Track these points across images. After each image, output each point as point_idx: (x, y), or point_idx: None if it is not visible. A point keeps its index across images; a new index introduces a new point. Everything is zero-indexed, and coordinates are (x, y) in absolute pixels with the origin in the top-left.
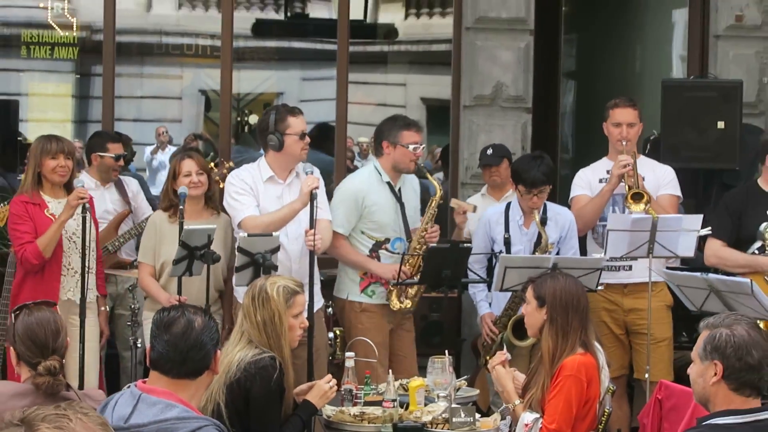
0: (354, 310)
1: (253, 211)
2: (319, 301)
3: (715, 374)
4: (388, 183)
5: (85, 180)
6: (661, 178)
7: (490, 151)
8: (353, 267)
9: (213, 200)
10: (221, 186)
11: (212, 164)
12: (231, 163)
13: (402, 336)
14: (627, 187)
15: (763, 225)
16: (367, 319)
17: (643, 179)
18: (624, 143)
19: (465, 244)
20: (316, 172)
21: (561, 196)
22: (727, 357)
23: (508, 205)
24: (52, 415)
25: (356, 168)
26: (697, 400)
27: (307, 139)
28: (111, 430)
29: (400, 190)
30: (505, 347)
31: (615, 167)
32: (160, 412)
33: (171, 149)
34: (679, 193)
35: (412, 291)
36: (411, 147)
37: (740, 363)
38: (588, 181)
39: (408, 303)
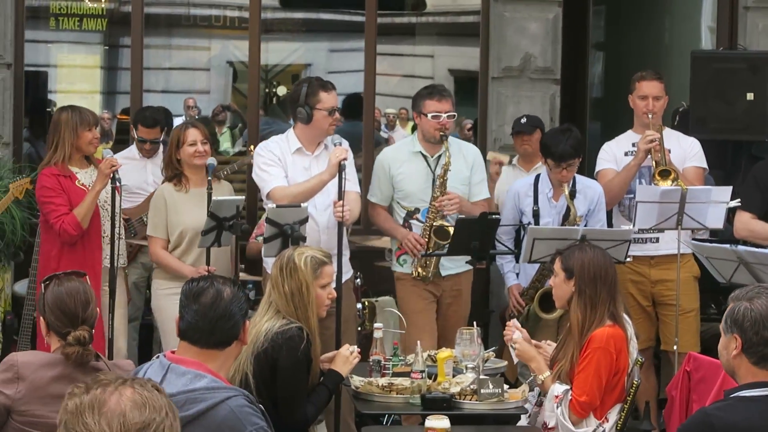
0: (395, 278)
1: (281, 181)
2: (347, 272)
3: (736, 348)
4: (421, 153)
5: (131, 150)
6: (687, 151)
7: (524, 120)
8: (387, 235)
9: (216, 171)
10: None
11: (251, 148)
12: (252, 147)
13: (448, 316)
14: (654, 162)
15: None
16: (401, 287)
17: (669, 152)
18: (650, 116)
19: (494, 216)
20: (345, 143)
21: (589, 167)
22: (744, 331)
23: (537, 178)
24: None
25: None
26: (726, 372)
27: (337, 115)
28: (144, 412)
29: (440, 157)
30: (529, 320)
31: (642, 142)
32: (189, 382)
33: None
34: (705, 165)
35: (430, 260)
36: (431, 116)
37: (757, 337)
38: (613, 155)
39: (422, 272)
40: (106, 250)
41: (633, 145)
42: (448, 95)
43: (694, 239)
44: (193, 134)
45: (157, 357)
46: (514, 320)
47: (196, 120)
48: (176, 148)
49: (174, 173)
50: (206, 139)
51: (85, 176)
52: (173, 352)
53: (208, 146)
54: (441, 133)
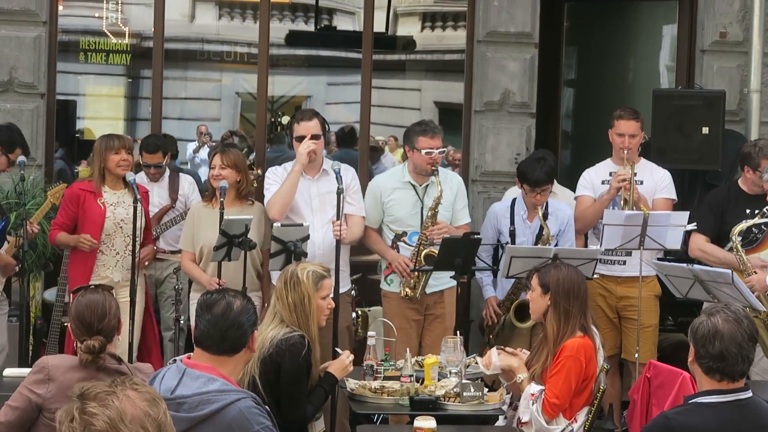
0: (382, 295)
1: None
2: (346, 286)
3: (691, 356)
4: (410, 182)
5: (141, 175)
6: (658, 182)
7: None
8: (377, 254)
9: (241, 193)
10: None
11: (258, 170)
12: (258, 171)
13: (433, 328)
14: (623, 200)
15: (735, 230)
16: (387, 305)
17: (642, 183)
18: (625, 152)
19: (475, 236)
20: (345, 169)
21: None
22: (696, 342)
23: (513, 201)
24: (102, 393)
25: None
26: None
27: (310, 141)
28: (159, 405)
29: (427, 187)
30: (504, 328)
31: (614, 180)
32: (203, 385)
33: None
34: (674, 196)
35: (418, 282)
36: (424, 152)
37: (704, 350)
38: (591, 182)
39: (410, 292)
40: (110, 261)
41: (610, 174)
42: (439, 132)
43: (657, 259)
44: (215, 160)
45: (174, 361)
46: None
47: (228, 147)
48: (209, 169)
49: (211, 193)
50: (226, 165)
51: (112, 197)
52: (189, 358)
53: (228, 171)
54: (433, 168)
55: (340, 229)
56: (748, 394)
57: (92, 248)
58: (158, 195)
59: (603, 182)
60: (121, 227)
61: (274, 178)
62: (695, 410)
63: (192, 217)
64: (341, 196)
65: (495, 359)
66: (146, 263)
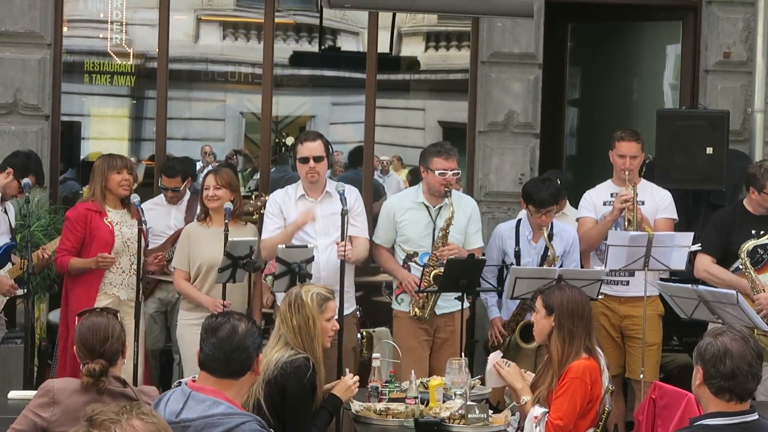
0: (393, 315)
1: (269, 234)
2: (351, 307)
3: (698, 378)
4: (424, 203)
5: (158, 199)
6: (659, 203)
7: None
8: (388, 273)
9: (236, 214)
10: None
11: (254, 194)
12: (266, 197)
13: (443, 351)
14: (627, 220)
15: (743, 247)
16: (398, 324)
17: (643, 203)
18: (626, 173)
19: (480, 257)
20: (349, 190)
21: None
22: (705, 363)
23: (518, 222)
24: (107, 420)
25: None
26: (696, 398)
27: (311, 164)
28: None
29: (441, 208)
30: (510, 349)
31: (617, 201)
32: (208, 408)
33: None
34: (675, 216)
35: (427, 303)
36: (437, 173)
37: (714, 370)
38: (593, 203)
39: (419, 312)
40: (117, 279)
41: (611, 195)
42: (454, 154)
43: (660, 279)
44: (209, 180)
45: (179, 384)
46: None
47: (221, 167)
48: (202, 191)
49: (204, 211)
50: (220, 185)
51: (116, 216)
52: (194, 380)
53: (222, 191)
54: (446, 189)
55: (345, 249)
56: (755, 416)
57: (110, 266)
58: (175, 217)
59: (604, 203)
60: (127, 246)
61: (271, 209)
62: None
63: (187, 237)
64: (345, 217)
65: (493, 359)
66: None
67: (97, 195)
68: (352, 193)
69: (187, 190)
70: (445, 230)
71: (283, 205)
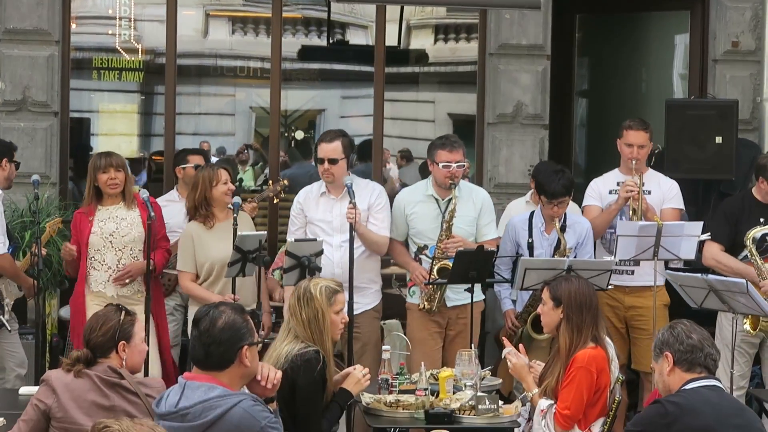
0: (406, 307)
1: (294, 236)
2: (375, 301)
3: (668, 364)
4: (433, 196)
5: (172, 194)
6: (666, 192)
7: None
8: (401, 267)
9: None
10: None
11: (270, 182)
12: (285, 181)
13: (455, 344)
14: (632, 209)
15: (749, 234)
16: (410, 317)
17: (650, 193)
18: (633, 162)
19: (489, 249)
20: (372, 188)
21: (575, 201)
22: (671, 345)
23: (531, 214)
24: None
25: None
26: (663, 394)
27: (326, 165)
28: None
29: (450, 200)
30: (522, 341)
31: (622, 191)
32: (204, 393)
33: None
34: (681, 206)
35: (434, 295)
36: (442, 165)
37: (684, 346)
38: (599, 192)
39: (427, 305)
40: (103, 276)
41: (618, 184)
42: (459, 146)
43: (669, 269)
44: (225, 174)
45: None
46: (509, 350)
47: (220, 161)
48: (210, 188)
49: (206, 211)
50: (232, 178)
51: (104, 213)
52: (190, 373)
53: (232, 186)
54: (451, 182)
55: (355, 213)
56: (720, 383)
57: (71, 256)
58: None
59: (610, 192)
60: (110, 242)
61: (295, 209)
62: (684, 394)
63: (189, 238)
64: (353, 202)
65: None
66: (126, 281)
67: (88, 194)
68: (375, 191)
69: None
70: (448, 222)
71: (305, 204)
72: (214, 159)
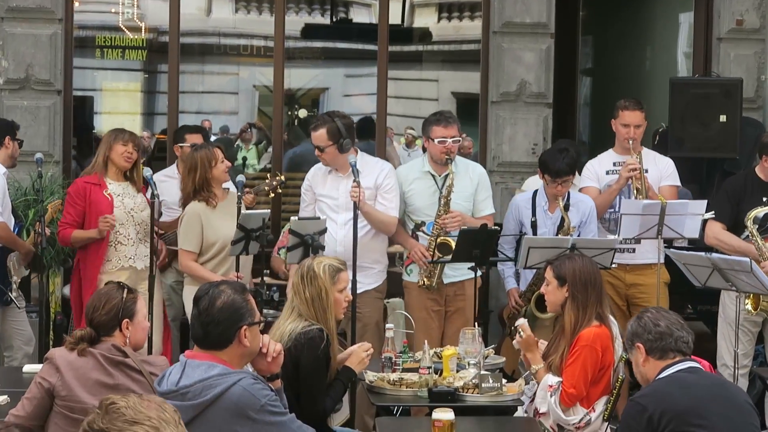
0: (403, 286)
1: (305, 212)
2: (374, 282)
3: (642, 354)
4: (429, 172)
5: (171, 169)
6: (662, 170)
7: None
8: (399, 244)
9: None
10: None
11: (269, 175)
12: (282, 177)
13: (453, 320)
14: (635, 189)
15: (750, 215)
16: (408, 295)
17: (647, 171)
18: (630, 142)
19: (492, 227)
20: (381, 168)
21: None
22: (640, 336)
23: (535, 192)
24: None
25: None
26: (644, 384)
27: (317, 151)
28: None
29: (447, 176)
30: (526, 319)
31: (624, 170)
32: (204, 372)
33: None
34: (678, 183)
35: (434, 271)
36: (437, 141)
37: (653, 335)
38: (595, 173)
39: (426, 281)
40: (130, 250)
41: (614, 164)
42: (454, 121)
43: (673, 247)
44: (220, 153)
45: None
46: (524, 321)
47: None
48: (209, 168)
49: (207, 192)
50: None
51: (117, 188)
52: (191, 351)
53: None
54: (446, 157)
55: (359, 192)
56: (697, 364)
57: (112, 227)
58: None
59: (607, 172)
60: (131, 215)
61: (304, 186)
62: (654, 384)
63: (196, 218)
64: (357, 180)
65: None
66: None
67: (99, 165)
68: (383, 171)
69: None
70: (446, 198)
71: (313, 181)
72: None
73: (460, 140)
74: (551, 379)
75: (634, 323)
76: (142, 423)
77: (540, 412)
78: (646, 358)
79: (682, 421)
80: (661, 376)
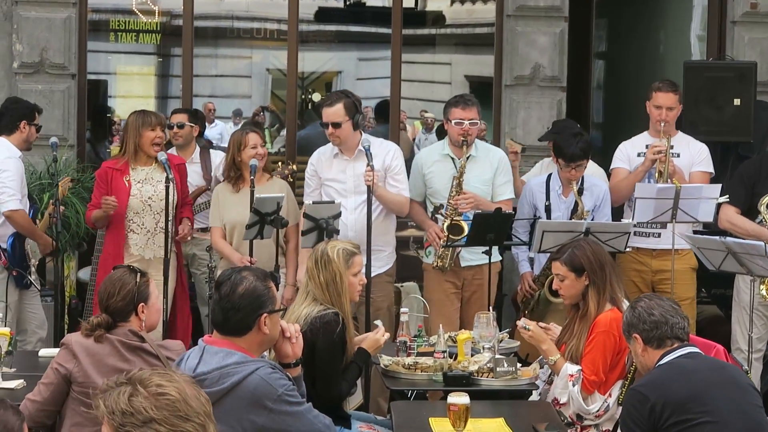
0: (422, 268)
1: (310, 198)
2: (388, 264)
3: (640, 345)
4: (449, 155)
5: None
6: (695, 156)
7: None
8: (419, 226)
9: (267, 168)
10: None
11: (280, 163)
12: (294, 166)
13: (471, 304)
14: (658, 172)
15: (763, 200)
16: (426, 276)
17: (678, 155)
18: (662, 124)
19: (507, 211)
20: (386, 149)
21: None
22: (636, 326)
23: (549, 176)
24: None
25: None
26: (644, 373)
27: (330, 129)
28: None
29: (469, 159)
30: (540, 304)
31: (649, 152)
32: (222, 359)
33: (217, 124)
34: (711, 169)
35: (446, 252)
36: (454, 122)
37: (648, 324)
38: (627, 155)
39: (440, 263)
40: (141, 240)
41: (646, 146)
42: (473, 104)
43: (695, 232)
44: (254, 138)
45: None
46: (522, 322)
47: (256, 125)
48: (237, 151)
49: (237, 174)
50: (264, 142)
51: (140, 174)
52: (210, 336)
53: (264, 149)
54: (463, 139)
55: (373, 175)
56: (696, 348)
57: (114, 208)
58: (190, 177)
59: (639, 155)
60: (149, 205)
61: (309, 170)
62: (657, 372)
63: (217, 197)
64: (371, 164)
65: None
66: (188, 238)
67: (129, 152)
68: (390, 152)
69: (195, 144)
70: (458, 179)
71: (318, 165)
72: (218, 122)
73: (477, 123)
74: (571, 368)
75: (628, 313)
76: (192, 420)
77: (560, 402)
78: (644, 347)
79: (684, 410)
80: (661, 363)
